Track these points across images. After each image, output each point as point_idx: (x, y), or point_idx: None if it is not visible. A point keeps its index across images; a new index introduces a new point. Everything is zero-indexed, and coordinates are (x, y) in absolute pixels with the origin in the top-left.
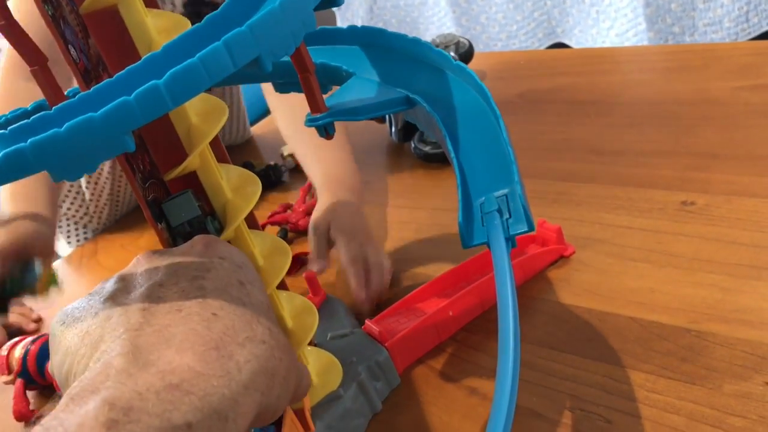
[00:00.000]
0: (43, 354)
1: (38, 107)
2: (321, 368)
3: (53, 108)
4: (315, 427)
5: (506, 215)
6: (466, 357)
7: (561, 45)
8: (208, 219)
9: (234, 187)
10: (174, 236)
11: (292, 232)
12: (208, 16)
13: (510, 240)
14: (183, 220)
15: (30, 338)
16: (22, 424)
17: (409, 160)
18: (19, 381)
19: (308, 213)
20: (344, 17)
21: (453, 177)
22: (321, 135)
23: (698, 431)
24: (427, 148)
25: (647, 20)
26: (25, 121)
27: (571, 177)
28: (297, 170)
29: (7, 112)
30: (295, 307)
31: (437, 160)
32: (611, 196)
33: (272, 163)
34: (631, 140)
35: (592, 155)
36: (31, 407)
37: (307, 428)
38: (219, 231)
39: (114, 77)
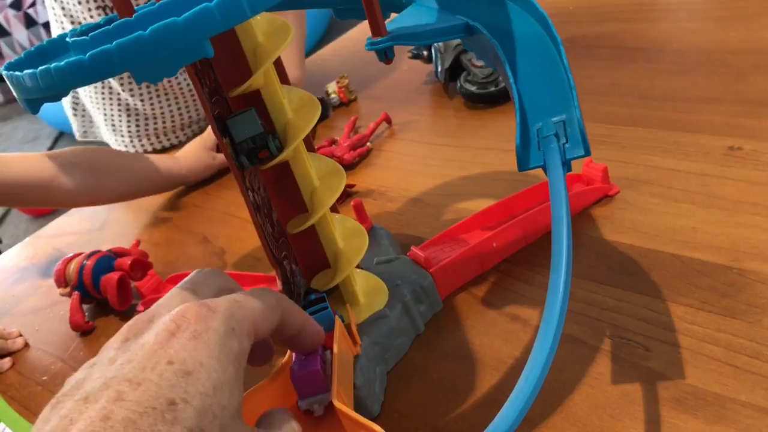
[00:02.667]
0: (98, 269)
1: (109, 21)
2: (368, 289)
3: (134, 15)
4: (362, 342)
5: (563, 140)
6: (507, 286)
7: None
8: (269, 137)
9: (294, 108)
10: (237, 151)
11: None
12: None
13: (566, 164)
14: (246, 137)
15: (85, 254)
16: (77, 334)
17: (454, 101)
18: (75, 294)
19: (353, 148)
20: None
21: (498, 118)
22: (381, 59)
23: (736, 361)
24: (473, 88)
25: None
26: (106, 27)
27: (618, 120)
28: (342, 105)
29: None
30: (347, 229)
31: (483, 101)
32: (657, 140)
33: (317, 98)
34: (680, 87)
35: (640, 100)
36: (87, 319)
37: (354, 342)
38: (279, 149)
39: None
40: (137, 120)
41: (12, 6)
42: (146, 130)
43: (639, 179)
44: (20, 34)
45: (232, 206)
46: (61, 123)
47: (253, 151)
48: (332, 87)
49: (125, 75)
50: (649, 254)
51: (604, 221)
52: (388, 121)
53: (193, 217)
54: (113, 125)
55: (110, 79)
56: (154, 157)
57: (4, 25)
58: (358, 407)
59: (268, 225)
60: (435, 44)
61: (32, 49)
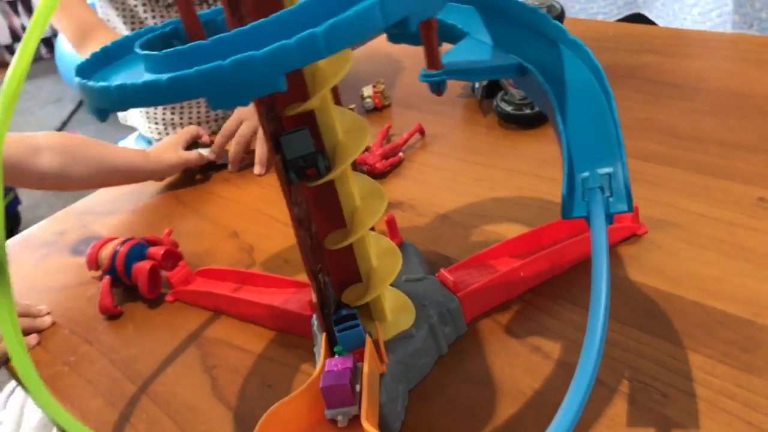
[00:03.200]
0: (131, 256)
1: (174, 30)
2: (396, 307)
3: (209, 39)
4: (388, 360)
5: (607, 193)
6: (531, 316)
7: (640, 16)
8: (319, 156)
9: (345, 129)
10: (287, 167)
11: (369, 174)
12: None
13: (609, 217)
14: (298, 155)
15: (119, 239)
16: (105, 317)
17: (488, 118)
18: (106, 278)
19: (385, 157)
20: None
21: (531, 141)
22: (433, 91)
23: (752, 419)
24: (509, 109)
25: (734, 1)
26: (181, 47)
27: (650, 157)
28: (376, 111)
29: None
30: (382, 248)
31: (517, 122)
32: (688, 182)
33: (351, 106)
34: (713, 129)
35: (673, 138)
36: (115, 304)
37: (382, 359)
38: (327, 169)
39: (270, 17)
40: (173, 109)
41: None
42: (180, 119)
43: (668, 221)
44: None
45: (261, 202)
46: None
47: (303, 169)
48: (368, 91)
49: None
50: (672, 299)
51: (630, 261)
52: (422, 132)
53: (223, 210)
54: (147, 112)
55: None
56: (124, 150)
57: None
58: (380, 425)
59: (307, 238)
60: None
61: (98, 51)
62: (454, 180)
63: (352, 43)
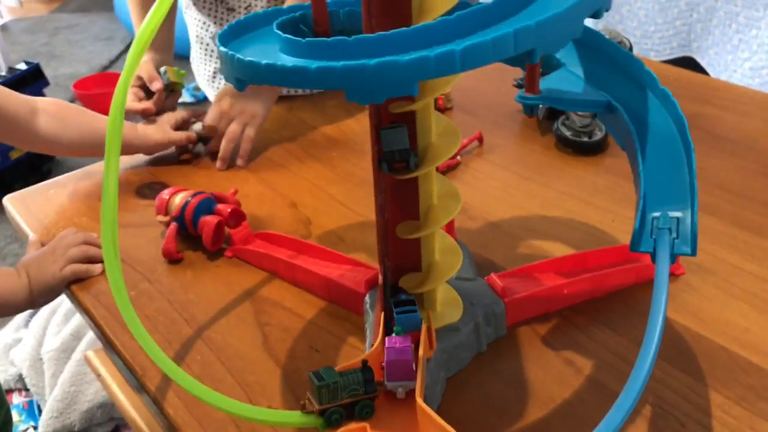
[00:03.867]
0: (200, 209)
1: (303, 15)
2: (446, 300)
3: (352, 37)
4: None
5: (674, 235)
6: (568, 332)
7: (690, 60)
8: (412, 153)
9: (439, 132)
10: (381, 158)
11: None
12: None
13: (672, 257)
14: (393, 149)
15: (190, 191)
16: (166, 260)
17: (545, 138)
18: (173, 224)
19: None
20: None
21: (584, 168)
22: (526, 113)
23: None
24: (568, 133)
25: None
26: (326, 39)
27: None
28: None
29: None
30: (445, 244)
31: (573, 147)
32: (730, 235)
33: None
34: (760, 188)
35: (720, 190)
36: (178, 250)
37: (431, 345)
38: (416, 166)
39: (410, 29)
40: None
41: None
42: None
43: (705, 267)
44: None
45: (322, 180)
46: None
47: (395, 162)
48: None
49: None
50: (701, 340)
51: None
52: (480, 140)
53: (284, 180)
54: (213, 82)
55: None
56: None
57: None
58: None
59: (382, 224)
60: None
61: (234, 22)
62: (506, 192)
63: (484, 64)
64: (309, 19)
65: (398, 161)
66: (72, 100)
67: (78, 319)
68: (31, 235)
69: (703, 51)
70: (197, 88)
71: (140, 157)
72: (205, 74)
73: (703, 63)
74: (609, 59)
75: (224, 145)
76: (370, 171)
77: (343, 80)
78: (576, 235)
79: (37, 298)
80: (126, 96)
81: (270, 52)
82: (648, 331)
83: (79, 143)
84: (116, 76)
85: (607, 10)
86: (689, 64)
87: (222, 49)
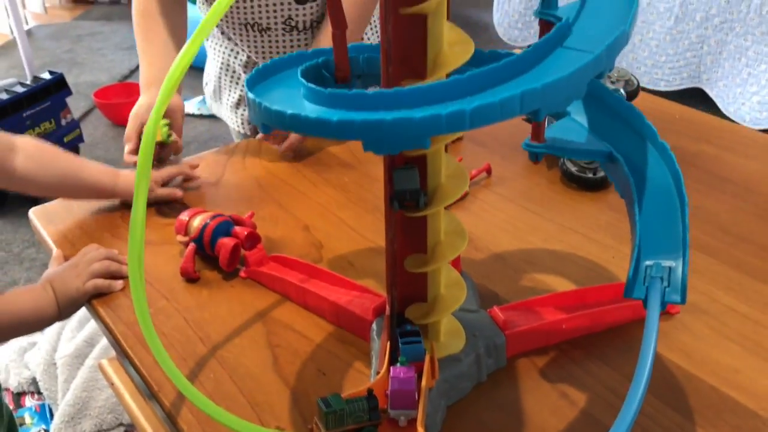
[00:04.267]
0: (218, 231)
1: (325, 62)
2: (449, 331)
3: (370, 91)
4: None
5: (665, 284)
6: (564, 365)
7: (699, 90)
8: (422, 193)
9: (448, 174)
10: (392, 197)
11: None
12: (507, 59)
13: (663, 304)
14: (404, 188)
15: (209, 213)
16: (183, 279)
17: (551, 173)
18: (192, 245)
19: None
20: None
21: (588, 203)
22: (531, 159)
23: None
24: (573, 169)
25: None
26: (347, 92)
27: (696, 245)
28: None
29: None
30: (450, 278)
31: (578, 183)
32: (725, 276)
33: None
34: (759, 232)
35: (719, 232)
36: (195, 269)
37: (433, 375)
38: (425, 205)
39: (425, 86)
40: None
41: None
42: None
43: (699, 307)
44: None
45: (333, 204)
46: None
47: (405, 200)
48: None
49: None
50: (692, 379)
51: (660, 335)
52: (489, 171)
53: (298, 203)
54: (237, 110)
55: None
56: (94, 168)
57: None
58: None
59: (392, 256)
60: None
61: (260, 67)
62: (511, 224)
63: (491, 122)
64: (331, 65)
65: (409, 200)
66: (92, 108)
67: (92, 326)
68: (55, 250)
69: (712, 83)
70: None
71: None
72: (230, 101)
73: (712, 94)
74: (612, 110)
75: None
76: (381, 197)
77: (361, 133)
78: (577, 270)
79: (63, 311)
80: (156, 132)
81: (294, 97)
82: (637, 373)
83: (57, 185)
84: (135, 86)
85: (609, 71)
86: (699, 94)
87: (250, 95)
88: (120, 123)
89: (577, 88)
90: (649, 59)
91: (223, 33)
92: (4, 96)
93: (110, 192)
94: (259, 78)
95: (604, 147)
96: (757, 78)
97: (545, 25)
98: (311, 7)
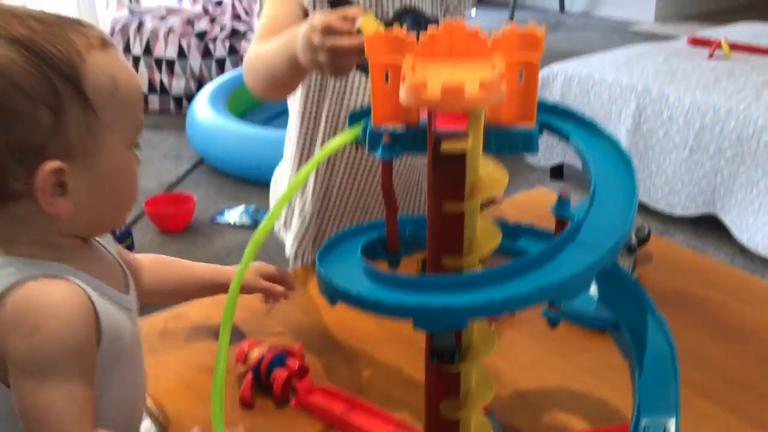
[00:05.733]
0: (273, 363)
1: (380, 236)
2: None
3: (419, 277)
4: None
5: None
6: None
7: (714, 217)
8: (456, 351)
9: (478, 335)
10: (432, 353)
11: None
12: (530, 256)
13: None
14: (442, 345)
15: (266, 345)
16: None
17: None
18: (250, 375)
19: None
20: None
21: (602, 343)
22: (550, 323)
23: None
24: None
25: None
26: (400, 278)
27: (698, 389)
28: None
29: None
30: (479, 422)
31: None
32: (725, 423)
33: None
34: (759, 379)
35: (720, 377)
36: (254, 396)
37: None
38: (459, 360)
39: (463, 277)
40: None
41: (197, 36)
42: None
43: None
44: (195, 61)
45: (373, 337)
46: (204, 150)
47: (443, 356)
48: None
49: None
50: None
51: None
52: (512, 312)
53: (342, 333)
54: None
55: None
56: (202, 267)
57: (185, 50)
58: None
59: (429, 399)
60: None
61: (327, 242)
62: (533, 363)
63: (516, 309)
64: (384, 240)
65: (445, 357)
66: (141, 215)
67: None
68: None
69: (726, 210)
70: (257, 211)
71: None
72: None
73: (726, 221)
74: (619, 283)
75: None
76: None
77: (412, 314)
78: (592, 410)
79: None
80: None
81: (356, 271)
82: None
83: (176, 292)
84: (184, 197)
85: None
86: (714, 220)
87: (321, 272)
88: (167, 230)
89: (585, 282)
90: (666, 186)
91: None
92: None
93: (224, 287)
94: (326, 251)
95: (610, 316)
96: None
97: (560, 224)
98: None
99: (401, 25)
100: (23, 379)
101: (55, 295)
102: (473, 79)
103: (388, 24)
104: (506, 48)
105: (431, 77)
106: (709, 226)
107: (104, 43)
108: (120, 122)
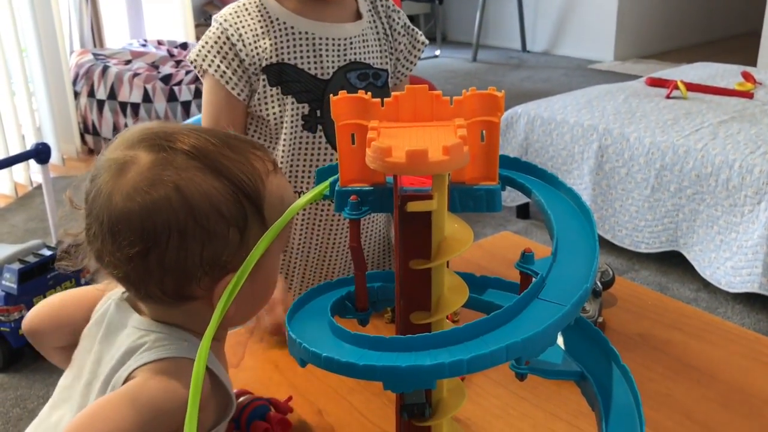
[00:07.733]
0: (254, 414)
1: (349, 294)
2: None
3: (389, 337)
4: None
5: None
6: None
7: (677, 253)
8: (426, 406)
9: (449, 388)
10: (402, 408)
11: None
12: (495, 313)
13: None
14: (413, 402)
15: (252, 396)
16: None
17: None
18: (231, 424)
19: None
20: None
21: (572, 389)
22: (518, 378)
23: None
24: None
25: (764, 265)
26: (368, 337)
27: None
28: None
29: None
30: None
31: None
32: None
33: None
34: (722, 422)
35: (687, 421)
36: None
37: None
38: (429, 416)
39: (431, 335)
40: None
41: (162, 80)
42: None
43: None
44: (160, 105)
45: (344, 388)
46: None
47: (413, 412)
48: None
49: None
50: None
51: None
52: None
53: (311, 387)
54: None
55: None
56: None
57: (150, 94)
58: None
59: None
60: None
61: (297, 301)
62: (504, 410)
63: (484, 369)
64: (353, 297)
65: (416, 413)
66: None
67: None
68: None
69: (689, 247)
70: None
71: None
72: None
73: (689, 257)
74: (584, 334)
75: None
76: None
77: (382, 376)
78: None
79: None
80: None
81: (325, 331)
82: None
83: None
84: None
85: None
86: (678, 255)
87: (291, 334)
88: None
89: (551, 338)
90: (630, 223)
91: None
92: (32, 259)
93: None
94: (296, 309)
95: (577, 368)
96: (729, 245)
97: (524, 277)
98: None
99: (347, 80)
100: None
101: None
102: (437, 143)
103: (334, 78)
104: (468, 109)
105: (396, 142)
106: (674, 261)
107: (275, 166)
108: (282, 236)
